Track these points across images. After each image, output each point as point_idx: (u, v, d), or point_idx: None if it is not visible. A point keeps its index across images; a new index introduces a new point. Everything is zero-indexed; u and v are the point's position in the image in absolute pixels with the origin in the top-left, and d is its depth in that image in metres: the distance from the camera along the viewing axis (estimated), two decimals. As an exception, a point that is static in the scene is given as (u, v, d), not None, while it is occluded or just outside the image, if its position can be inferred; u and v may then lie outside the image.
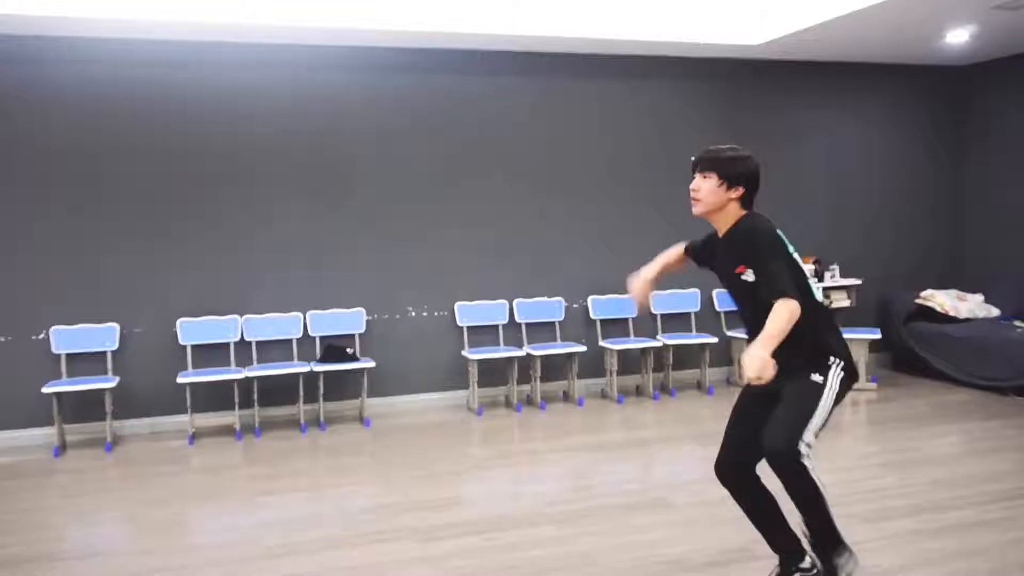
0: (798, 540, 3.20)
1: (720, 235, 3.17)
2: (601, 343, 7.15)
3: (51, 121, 6.04)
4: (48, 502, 4.88)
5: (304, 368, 6.35)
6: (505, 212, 7.10)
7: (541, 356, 6.87)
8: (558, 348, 6.96)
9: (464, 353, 6.82)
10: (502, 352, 6.85)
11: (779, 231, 3.04)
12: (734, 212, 3.10)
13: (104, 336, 6.14)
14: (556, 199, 7.23)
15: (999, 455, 5.23)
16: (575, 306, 7.30)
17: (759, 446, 2.98)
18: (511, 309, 7.10)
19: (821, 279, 7.44)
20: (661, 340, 7.19)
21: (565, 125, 7.21)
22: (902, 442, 5.59)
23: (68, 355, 6.09)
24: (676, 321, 7.50)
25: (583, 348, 6.98)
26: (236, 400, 6.24)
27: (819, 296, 3.15)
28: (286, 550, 3.97)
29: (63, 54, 6.00)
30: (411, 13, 6.06)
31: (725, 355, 7.61)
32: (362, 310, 6.75)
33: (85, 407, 6.06)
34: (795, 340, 2.84)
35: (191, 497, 4.88)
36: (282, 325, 6.54)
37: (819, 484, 2.93)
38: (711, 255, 3.29)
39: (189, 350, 6.24)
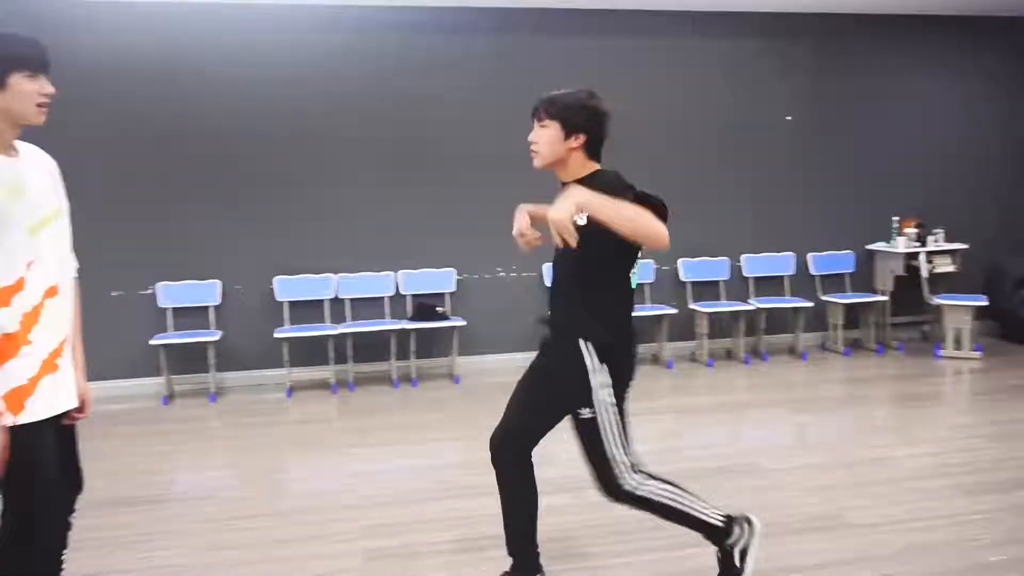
0: (535, 558, 3.03)
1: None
2: (691, 306, 7.03)
3: (170, 96, 6.24)
4: (157, 448, 5.12)
5: (396, 325, 6.46)
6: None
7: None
8: (647, 310, 6.88)
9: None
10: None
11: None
12: (579, 165, 2.74)
13: (207, 292, 6.38)
14: (642, 163, 7.10)
15: (1115, 429, 4.95)
16: (665, 268, 7.19)
17: (526, 431, 2.94)
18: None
19: (924, 243, 7.11)
20: (754, 304, 7.03)
21: (641, 83, 7.05)
22: (1006, 414, 5.34)
23: (174, 309, 6.35)
24: (769, 284, 7.31)
25: (673, 311, 6.88)
26: (331, 355, 6.41)
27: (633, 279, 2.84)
28: (377, 501, 4.07)
29: (176, 26, 6.18)
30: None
31: (820, 320, 7.38)
32: (453, 270, 6.80)
33: (190, 359, 6.32)
34: (577, 305, 2.79)
35: (288, 447, 5.05)
36: (375, 284, 6.66)
37: (665, 498, 2.83)
38: None
39: (286, 306, 6.43)
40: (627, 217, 2.41)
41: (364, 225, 6.65)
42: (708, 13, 7.01)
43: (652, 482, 2.85)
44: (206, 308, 6.38)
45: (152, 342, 6.08)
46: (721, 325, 7.15)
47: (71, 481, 2.56)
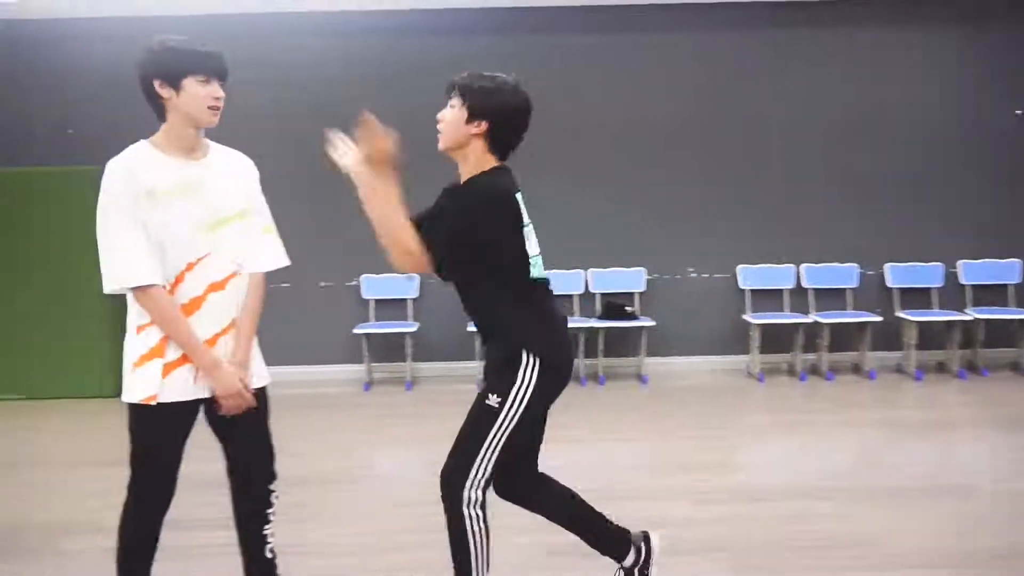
0: (624, 536, 2.82)
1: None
2: (898, 313, 6.54)
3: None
4: (356, 431, 5.40)
5: (584, 324, 6.45)
6: (788, 174, 6.70)
7: (830, 324, 6.44)
8: (849, 317, 6.48)
9: (746, 317, 6.57)
10: (787, 318, 6.52)
11: (513, 196, 2.48)
12: (478, 156, 2.49)
13: (406, 286, 6.65)
14: (843, 161, 6.70)
15: None
16: (870, 273, 6.74)
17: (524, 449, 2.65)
18: (798, 274, 6.72)
19: None
20: (971, 314, 6.44)
21: (842, 86, 6.63)
22: None
23: (376, 301, 6.68)
24: (989, 293, 6.67)
25: (878, 318, 6.43)
26: (520, 351, 6.50)
27: (536, 273, 2.57)
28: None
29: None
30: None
31: (1050, 334, 6.66)
32: (643, 269, 6.71)
33: (389, 348, 6.62)
34: (492, 321, 2.55)
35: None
36: (565, 281, 6.68)
37: (474, 538, 2.51)
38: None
39: (479, 301, 6.59)
40: (385, 214, 2.38)
41: (553, 223, 6.68)
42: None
43: (482, 513, 2.53)
44: (405, 300, 6.66)
45: (355, 331, 6.43)
46: (932, 335, 6.60)
47: (240, 466, 2.60)
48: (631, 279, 6.70)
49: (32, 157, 6.34)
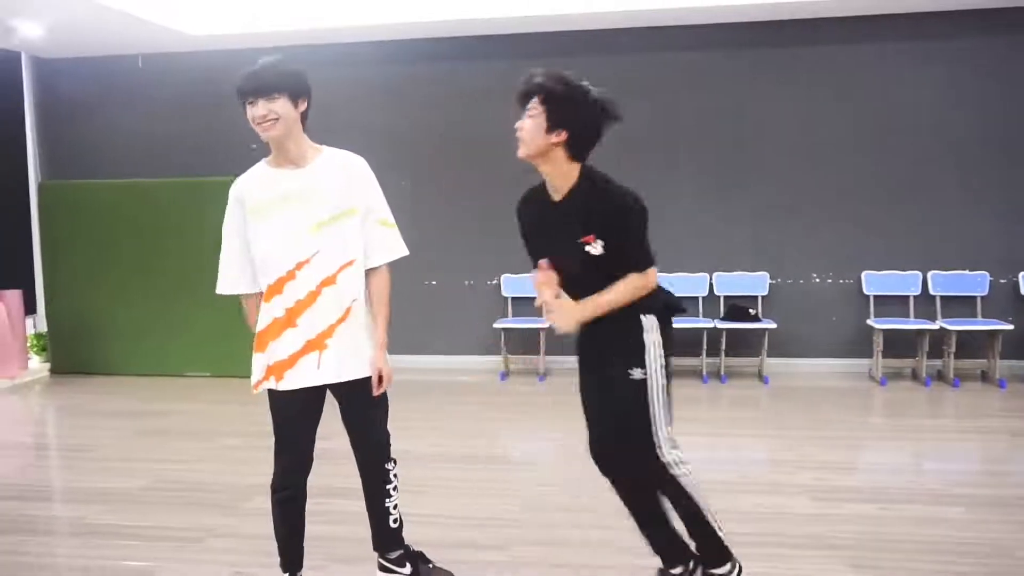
0: (682, 543, 2.65)
1: (554, 196, 2.49)
2: (1032, 323, 6.12)
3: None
4: (493, 416, 5.54)
5: (708, 324, 6.36)
6: (915, 180, 6.37)
7: (957, 331, 6.08)
8: (978, 324, 6.10)
9: (869, 322, 6.30)
10: (912, 324, 6.20)
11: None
12: (563, 164, 2.42)
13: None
14: (974, 166, 6.30)
15: None
16: (1002, 281, 6.32)
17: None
18: (924, 280, 6.38)
19: None
20: (1109, 325, 5.95)
21: (972, 95, 6.22)
22: None
23: (514, 298, 6.81)
24: None
25: (1009, 326, 6.02)
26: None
27: None
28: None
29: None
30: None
31: None
32: (766, 274, 6.55)
33: (525, 342, 6.74)
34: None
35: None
36: (690, 284, 6.60)
37: (692, 488, 2.49)
38: (526, 212, 2.65)
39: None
40: (624, 302, 2.42)
41: (679, 229, 6.62)
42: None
43: (688, 467, 2.52)
44: (531, 299, 6.75)
45: (495, 325, 6.59)
46: (1068, 345, 6.13)
47: (357, 445, 2.73)
48: (754, 283, 6.55)
49: (224, 168, 6.84)
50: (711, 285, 6.60)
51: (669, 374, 2.55)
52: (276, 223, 2.54)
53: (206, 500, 3.94)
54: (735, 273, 6.57)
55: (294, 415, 2.62)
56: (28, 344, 7.14)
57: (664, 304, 2.55)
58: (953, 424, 5.26)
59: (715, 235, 6.60)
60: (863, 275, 6.45)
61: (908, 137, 6.38)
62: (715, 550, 2.61)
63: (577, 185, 2.45)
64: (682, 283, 6.58)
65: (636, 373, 2.48)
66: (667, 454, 2.51)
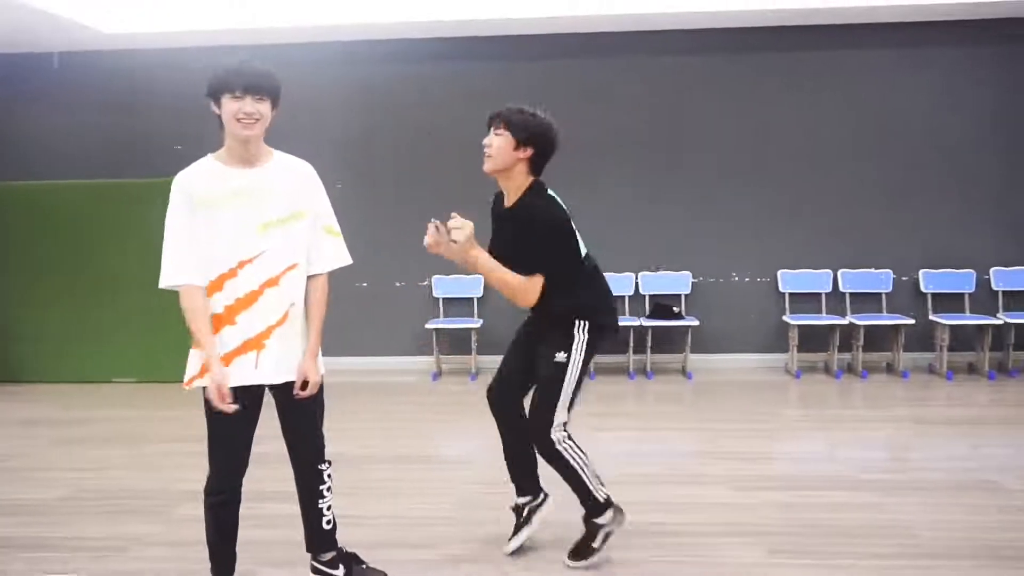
0: (537, 483, 3.15)
1: (507, 203, 2.91)
2: (932, 317, 6.38)
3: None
4: (426, 416, 5.49)
5: (634, 322, 6.44)
6: (825, 186, 6.60)
7: (865, 326, 6.30)
8: (884, 319, 6.34)
9: (785, 318, 6.48)
10: (824, 320, 6.41)
11: (557, 199, 2.84)
12: (522, 176, 2.83)
13: (472, 285, 6.72)
14: (883, 173, 6.55)
15: None
16: (904, 279, 6.58)
17: (517, 384, 3.04)
18: (835, 279, 6.60)
19: None
20: (1002, 319, 6.24)
21: (899, 93, 6.47)
22: None
23: (444, 299, 6.77)
24: (1023, 298, 6.45)
25: (911, 321, 6.28)
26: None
27: (582, 252, 2.94)
28: (611, 480, 4.05)
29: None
30: None
31: (1079, 338, 6.42)
32: (688, 273, 6.67)
33: (456, 342, 6.71)
34: (550, 302, 2.83)
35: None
36: (617, 284, 6.65)
37: (575, 461, 2.91)
38: (494, 217, 3.03)
39: (538, 301, 6.63)
40: (505, 284, 2.80)
41: (607, 232, 6.68)
42: (962, 22, 6.33)
43: (571, 443, 2.93)
44: (471, 299, 6.74)
45: (427, 326, 6.53)
46: (963, 338, 6.42)
47: (293, 447, 2.69)
48: (678, 282, 6.66)
49: (147, 169, 6.62)
50: (637, 285, 6.68)
51: (584, 374, 2.93)
52: (223, 219, 2.46)
53: (129, 508, 3.77)
54: (660, 273, 6.67)
55: (231, 414, 2.49)
56: (-58, 352, 6.75)
57: (601, 322, 2.96)
58: (862, 414, 5.44)
59: (641, 236, 6.68)
60: (779, 274, 6.63)
61: (821, 146, 6.58)
62: (595, 504, 3.02)
63: (523, 196, 2.84)
64: (610, 282, 6.63)
65: (560, 356, 2.87)
66: (555, 432, 2.89)
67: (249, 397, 2.52)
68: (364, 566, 2.91)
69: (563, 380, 2.86)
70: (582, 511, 3.05)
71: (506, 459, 3.14)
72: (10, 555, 3.28)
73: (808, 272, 6.63)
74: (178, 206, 2.48)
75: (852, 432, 5.00)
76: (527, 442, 3.01)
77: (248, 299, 2.50)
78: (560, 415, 2.88)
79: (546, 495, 3.17)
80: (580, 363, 2.87)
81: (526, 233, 2.79)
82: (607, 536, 3.04)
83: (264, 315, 2.51)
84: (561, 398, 2.87)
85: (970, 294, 6.47)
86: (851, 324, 6.36)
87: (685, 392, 6.01)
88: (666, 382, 6.29)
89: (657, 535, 3.36)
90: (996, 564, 3.05)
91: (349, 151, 6.51)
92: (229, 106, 2.42)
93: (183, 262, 2.47)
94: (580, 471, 2.94)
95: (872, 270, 6.58)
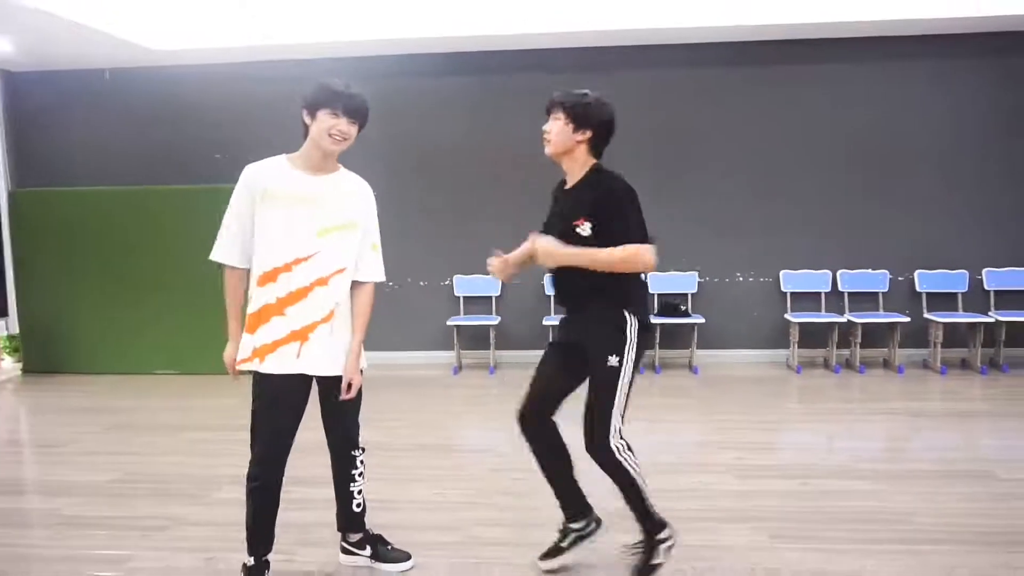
0: (583, 501, 2.87)
1: (567, 186, 2.73)
2: (926, 315, 6.34)
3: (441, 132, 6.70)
4: (449, 408, 5.52)
5: (643, 320, 6.44)
6: (826, 189, 6.56)
7: (862, 323, 6.28)
8: (880, 317, 6.31)
9: (787, 316, 6.46)
10: (824, 317, 6.38)
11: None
12: (582, 159, 2.68)
13: (490, 285, 6.75)
14: (879, 176, 6.52)
15: None
16: (900, 279, 6.55)
17: (556, 397, 2.78)
18: (834, 279, 6.57)
19: None
20: (994, 316, 6.19)
21: (896, 104, 6.43)
22: None
23: (465, 297, 6.80)
24: (1012, 298, 6.40)
25: (907, 319, 6.24)
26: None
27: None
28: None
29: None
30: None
31: (1069, 336, 6.36)
32: (695, 273, 6.67)
33: (476, 338, 6.74)
34: (604, 284, 2.60)
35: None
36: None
37: (634, 471, 2.65)
38: (553, 204, 2.83)
39: (552, 300, 6.65)
40: (607, 262, 2.54)
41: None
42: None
43: (630, 453, 2.67)
44: (489, 297, 6.77)
45: (448, 323, 6.56)
46: (957, 335, 6.38)
47: (331, 433, 2.76)
48: (685, 282, 6.66)
49: (182, 177, 6.72)
50: (645, 284, 6.67)
51: (635, 375, 2.68)
52: (287, 217, 2.53)
53: (173, 490, 3.83)
54: (668, 273, 6.67)
55: (276, 400, 2.55)
56: (1, 345, 6.86)
57: (645, 320, 2.71)
58: (860, 407, 5.42)
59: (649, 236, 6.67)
60: (781, 274, 6.62)
61: (822, 153, 6.56)
62: (652, 522, 2.75)
63: (585, 176, 2.68)
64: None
65: (612, 360, 2.62)
66: (614, 439, 2.64)
67: (291, 386, 2.56)
68: (389, 547, 2.95)
69: (617, 385, 2.62)
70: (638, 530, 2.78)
71: (550, 482, 2.88)
72: (66, 532, 3.35)
73: (808, 272, 6.61)
74: (240, 194, 2.58)
75: (850, 424, 4.99)
76: (568, 461, 2.82)
77: (299, 294, 2.55)
78: (616, 421, 2.63)
79: (599, 522, 2.91)
80: (632, 364, 2.64)
81: (607, 206, 2.58)
82: (670, 548, 2.78)
83: (312, 310, 2.56)
84: (616, 403, 2.62)
85: (963, 293, 6.42)
86: (849, 322, 6.34)
87: (691, 386, 6.01)
88: (673, 376, 6.29)
89: (670, 520, 3.37)
90: (987, 548, 3.05)
91: (378, 162, 6.55)
92: (326, 120, 2.50)
93: (231, 244, 2.58)
94: (641, 485, 2.68)
95: (869, 271, 6.55)
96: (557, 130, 2.65)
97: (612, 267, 2.54)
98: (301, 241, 2.54)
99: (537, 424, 2.81)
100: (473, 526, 3.33)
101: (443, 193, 6.76)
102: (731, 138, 6.59)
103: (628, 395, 2.66)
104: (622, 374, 2.62)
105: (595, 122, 2.65)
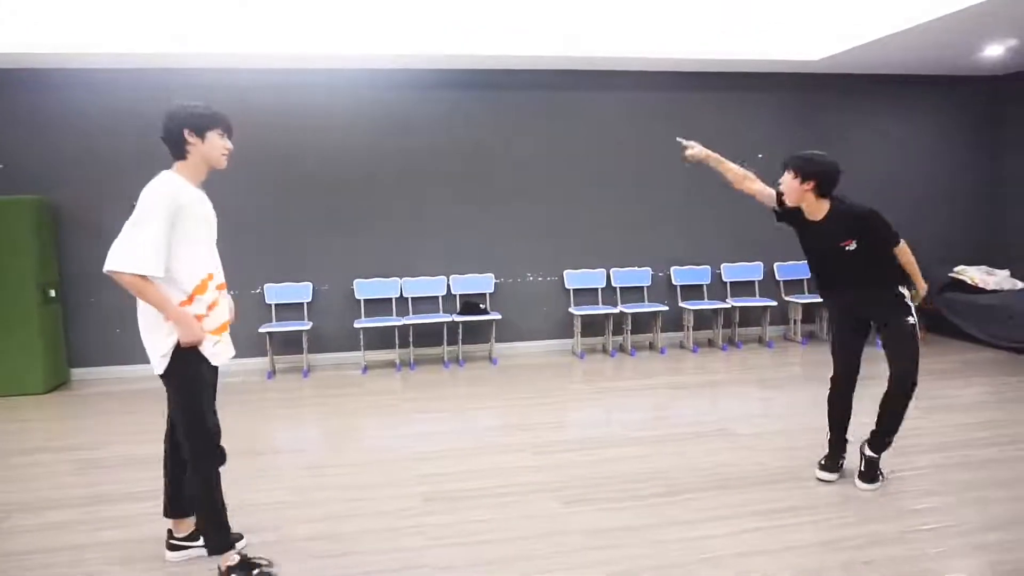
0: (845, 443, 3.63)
1: (813, 218, 3.34)
2: (680, 304, 7.03)
3: (275, 139, 6.38)
4: (263, 413, 5.25)
5: (447, 318, 6.54)
6: (600, 199, 7.04)
7: (631, 313, 6.83)
8: (646, 307, 6.89)
9: (570, 310, 6.86)
10: (601, 310, 6.85)
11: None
12: (814, 200, 3.29)
13: (302, 291, 6.52)
14: (644, 191, 7.12)
15: (1018, 404, 4.89)
16: (660, 275, 7.19)
17: (857, 367, 3.49)
18: (608, 276, 7.08)
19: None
20: (730, 303, 7.01)
21: (652, 131, 7.05)
22: (933, 391, 5.28)
23: (276, 304, 6.50)
24: (743, 288, 7.29)
25: (665, 308, 6.88)
26: (396, 341, 6.52)
27: None
28: (431, 455, 4.14)
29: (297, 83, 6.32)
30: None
31: (782, 316, 7.34)
32: (492, 275, 6.87)
33: (288, 343, 6.46)
34: (887, 275, 3.34)
35: (363, 413, 5.13)
36: (431, 285, 6.74)
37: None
38: (795, 224, 3.46)
39: (362, 303, 6.55)
40: (910, 261, 3.38)
41: (424, 239, 6.74)
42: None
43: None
44: (301, 304, 6.52)
45: (260, 330, 6.23)
46: (704, 320, 7.14)
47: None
48: (483, 282, 6.84)
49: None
50: (448, 285, 6.78)
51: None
52: (206, 231, 2.62)
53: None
54: (467, 275, 6.81)
55: (213, 385, 2.72)
56: None
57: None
58: (632, 384, 5.87)
59: (450, 243, 6.78)
60: (565, 273, 7.00)
61: (597, 169, 6.99)
62: (886, 444, 3.53)
63: (831, 210, 3.29)
64: (425, 284, 6.71)
65: (911, 319, 3.31)
66: (917, 377, 3.31)
67: (215, 376, 2.74)
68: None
69: (917, 336, 3.30)
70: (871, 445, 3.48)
71: (840, 426, 3.59)
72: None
73: (587, 271, 7.05)
74: (166, 208, 2.47)
75: (624, 399, 5.40)
76: (850, 403, 3.55)
77: (216, 301, 2.65)
78: (918, 359, 3.30)
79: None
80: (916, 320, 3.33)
81: (864, 229, 3.22)
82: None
83: (223, 313, 2.70)
84: (918, 349, 3.29)
85: (707, 285, 7.19)
86: (621, 312, 6.86)
87: (491, 376, 6.19)
88: (475, 368, 6.44)
89: (472, 498, 3.47)
90: (726, 491, 3.47)
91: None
92: (217, 141, 2.57)
93: (156, 257, 2.47)
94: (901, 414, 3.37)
95: (636, 268, 7.12)
96: (788, 185, 3.29)
97: (907, 263, 3.36)
98: (214, 253, 2.67)
99: (849, 384, 3.52)
100: (290, 524, 3.22)
101: (247, 202, 6.40)
102: (521, 157, 6.85)
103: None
104: (916, 329, 3.32)
105: (816, 175, 3.23)
